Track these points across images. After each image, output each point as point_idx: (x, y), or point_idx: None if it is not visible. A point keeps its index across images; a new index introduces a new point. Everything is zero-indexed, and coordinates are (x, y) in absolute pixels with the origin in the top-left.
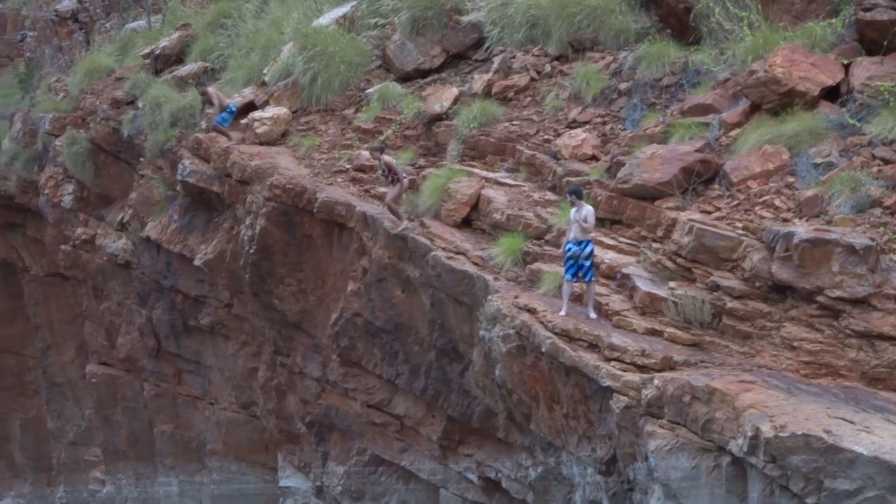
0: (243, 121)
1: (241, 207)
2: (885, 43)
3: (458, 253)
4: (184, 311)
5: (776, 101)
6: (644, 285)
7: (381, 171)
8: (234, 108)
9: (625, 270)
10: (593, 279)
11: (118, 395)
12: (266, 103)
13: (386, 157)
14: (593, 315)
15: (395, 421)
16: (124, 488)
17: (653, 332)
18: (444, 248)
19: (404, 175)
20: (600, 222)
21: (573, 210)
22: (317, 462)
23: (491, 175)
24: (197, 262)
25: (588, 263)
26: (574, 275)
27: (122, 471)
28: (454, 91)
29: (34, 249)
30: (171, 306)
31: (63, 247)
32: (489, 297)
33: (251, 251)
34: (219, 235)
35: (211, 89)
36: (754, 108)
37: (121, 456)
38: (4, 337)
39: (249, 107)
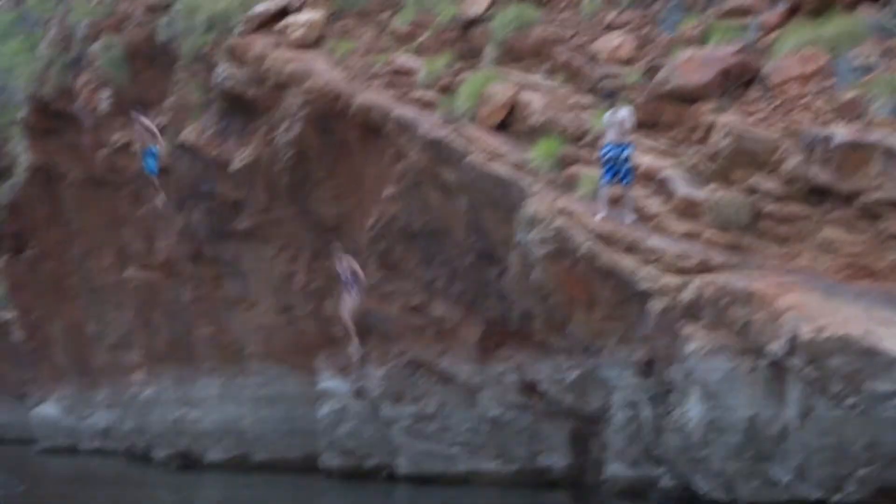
0: (277, 26)
1: (278, 112)
2: None
3: (495, 156)
4: (222, 215)
5: (815, 2)
6: (682, 188)
7: (342, 276)
8: (155, 150)
9: (663, 174)
10: (631, 182)
11: (158, 299)
12: (300, 8)
13: (351, 262)
14: (631, 218)
15: (433, 324)
16: (165, 390)
17: (691, 235)
18: (480, 153)
19: (362, 283)
20: (638, 126)
21: (608, 113)
22: (355, 365)
23: (528, 79)
24: (234, 167)
25: (626, 166)
26: (612, 178)
27: (163, 374)
28: None
29: (72, 155)
30: (209, 210)
31: (100, 152)
32: (526, 201)
33: (288, 156)
34: (255, 140)
35: (142, 119)
36: (793, 10)
37: (161, 359)
38: (44, 242)
39: (283, 11)
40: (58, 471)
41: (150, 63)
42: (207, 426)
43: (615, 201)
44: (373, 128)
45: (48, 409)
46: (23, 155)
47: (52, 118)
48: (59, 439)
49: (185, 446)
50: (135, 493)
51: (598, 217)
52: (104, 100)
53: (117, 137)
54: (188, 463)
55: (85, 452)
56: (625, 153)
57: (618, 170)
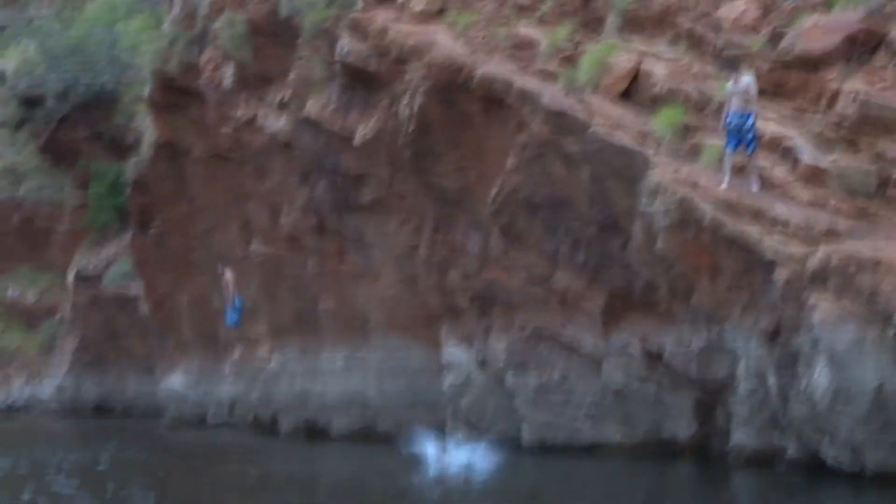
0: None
1: (400, 85)
2: None
3: (617, 127)
4: (345, 189)
5: None
6: (807, 156)
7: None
8: (239, 305)
9: (788, 141)
10: (756, 150)
11: (282, 272)
12: None
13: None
14: (755, 187)
15: (556, 294)
16: (290, 363)
17: (817, 203)
18: (603, 123)
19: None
20: (762, 94)
21: (731, 81)
22: (479, 336)
23: (650, 48)
24: (357, 141)
25: (750, 135)
26: (735, 146)
27: (288, 346)
28: None
29: (196, 131)
30: (333, 184)
31: (225, 128)
32: (649, 171)
33: (410, 129)
34: (378, 113)
35: (228, 274)
36: None
37: (286, 332)
38: (170, 218)
39: None
40: (187, 444)
41: (272, 38)
42: (332, 398)
43: (739, 170)
44: (495, 99)
45: (175, 383)
46: (148, 131)
47: (176, 94)
48: (186, 412)
49: (310, 417)
50: (265, 464)
51: (722, 186)
52: (228, 76)
53: (241, 113)
54: (314, 434)
55: (212, 425)
56: (749, 121)
57: (742, 138)
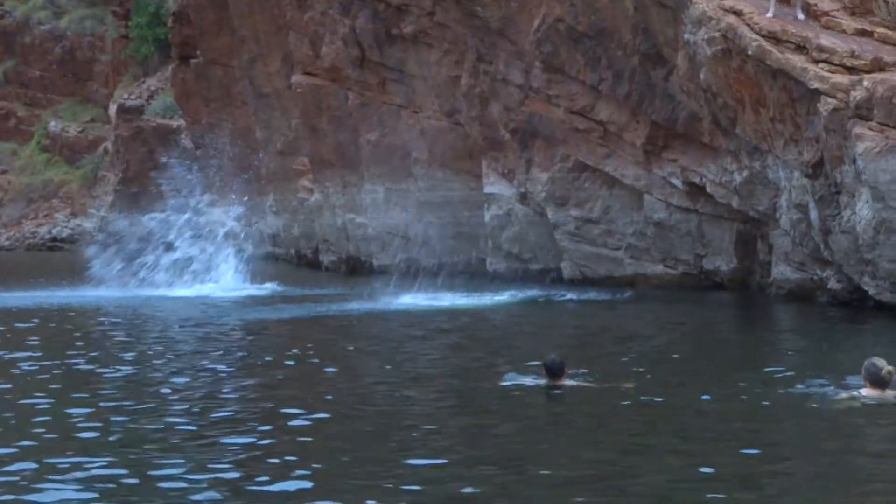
0: None
1: None
2: None
3: None
4: (386, 19)
5: None
6: None
7: None
8: None
9: None
10: None
11: (324, 104)
12: None
13: None
14: (801, 16)
15: (598, 127)
16: (332, 196)
17: (863, 33)
18: None
19: None
20: None
21: None
22: (520, 169)
23: None
24: None
25: None
26: None
27: (330, 179)
28: None
29: None
30: (374, 15)
31: None
32: (694, 0)
33: None
34: None
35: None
36: None
37: (327, 165)
38: (212, 49)
39: None
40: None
41: None
42: (373, 232)
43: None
44: None
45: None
46: None
47: None
48: None
49: (352, 252)
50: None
51: (768, 14)
52: None
53: None
54: (355, 267)
55: (255, 258)
56: None
57: None
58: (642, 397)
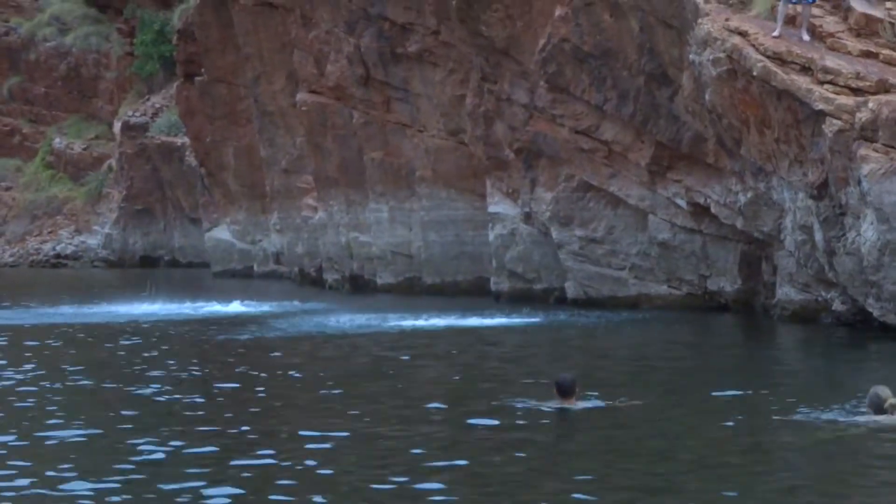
0: None
1: None
2: None
3: None
4: (391, 38)
5: None
6: (860, 6)
7: None
8: None
9: None
10: (813, 0)
11: (328, 123)
12: None
13: None
14: (807, 37)
15: (603, 147)
16: (336, 214)
17: (868, 55)
18: None
19: None
20: None
21: None
22: (525, 188)
23: None
24: None
25: None
26: None
27: (334, 197)
28: None
29: None
30: (379, 34)
31: None
32: (700, 20)
33: None
34: None
35: None
36: None
37: (332, 183)
38: (217, 67)
39: None
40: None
41: None
42: (377, 250)
43: (790, 19)
44: None
45: (221, 233)
46: None
47: None
48: (232, 263)
49: (355, 270)
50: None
51: (775, 33)
52: None
53: None
54: (359, 286)
55: (258, 275)
56: None
57: None
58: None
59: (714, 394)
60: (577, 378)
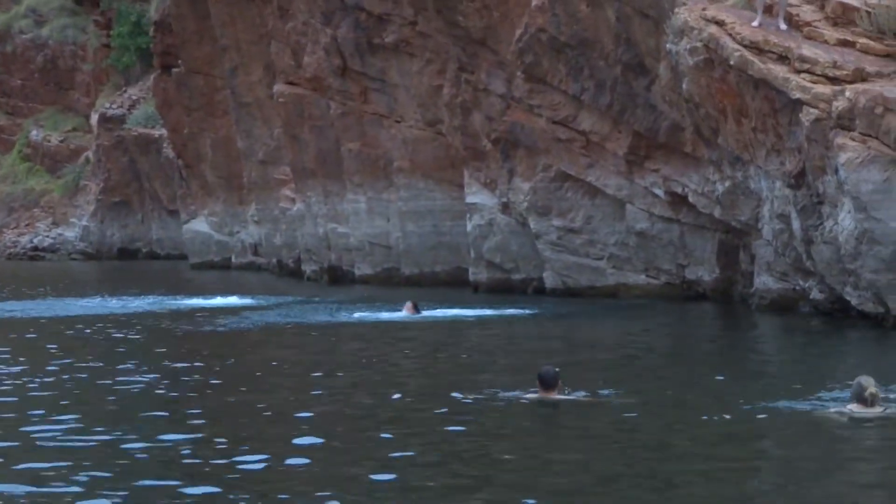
0: None
1: None
2: None
3: None
4: (368, 29)
5: None
6: None
7: None
8: None
9: None
10: None
11: (305, 114)
12: None
13: None
14: (783, 26)
15: (580, 136)
16: (313, 205)
17: (845, 44)
18: None
19: None
20: None
21: None
22: (503, 178)
23: None
24: None
25: None
26: None
27: (311, 188)
28: None
29: None
30: (356, 24)
31: None
32: (676, 10)
33: None
34: None
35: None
36: None
37: (309, 174)
38: (194, 58)
39: None
40: (213, 287)
41: None
42: (355, 241)
43: (767, 8)
44: None
45: (199, 225)
46: None
47: None
48: (210, 255)
49: (333, 261)
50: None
51: (754, 23)
52: None
53: None
54: (337, 277)
55: (236, 267)
56: None
57: None
58: (635, 413)
59: (694, 384)
60: (559, 370)
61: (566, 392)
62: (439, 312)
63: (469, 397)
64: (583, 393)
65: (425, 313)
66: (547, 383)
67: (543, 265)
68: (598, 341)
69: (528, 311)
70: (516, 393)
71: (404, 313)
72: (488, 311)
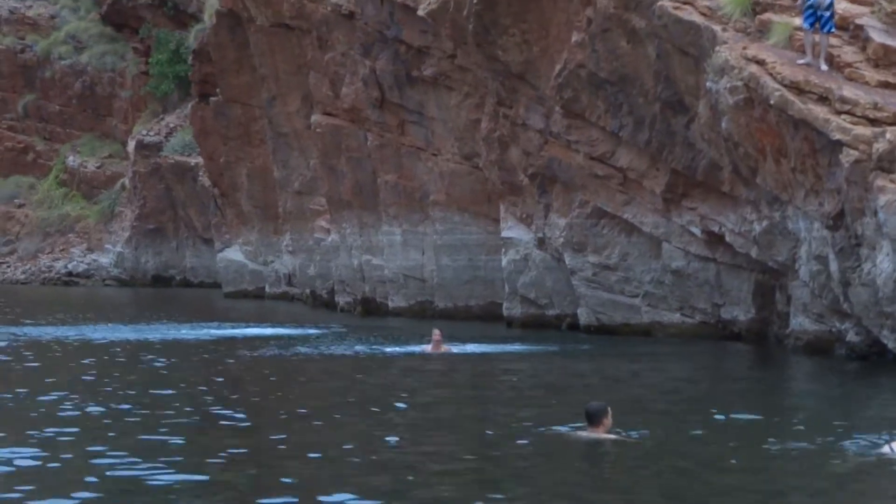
0: None
1: None
2: None
3: (685, 3)
4: (407, 61)
5: None
6: (878, 36)
7: None
8: None
9: (858, 21)
10: (833, 30)
11: (342, 145)
12: None
13: None
14: (824, 67)
15: (618, 173)
16: (348, 236)
17: (886, 85)
18: None
19: None
20: None
21: None
22: (539, 213)
23: None
24: (421, 12)
25: (828, 14)
26: (812, 24)
27: (347, 220)
28: None
29: (260, 0)
30: (395, 57)
31: None
32: (717, 48)
33: (475, 1)
34: None
35: None
36: None
37: (345, 205)
38: (232, 87)
39: None
40: (247, 315)
41: None
42: (390, 273)
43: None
44: None
45: (233, 254)
46: (211, 0)
47: None
48: (244, 284)
49: (367, 293)
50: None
51: (801, 62)
52: None
53: None
54: (370, 309)
55: (270, 296)
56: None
57: (819, 16)
58: (679, 451)
59: (731, 424)
60: (607, 407)
61: (620, 432)
62: (469, 348)
63: (506, 431)
64: (630, 432)
65: (454, 349)
66: (592, 419)
67: (578, 301)
68: (633, 380)
69: (566, 348)
70: (563, 428)
71: (429, 348)
72: (515, 347)
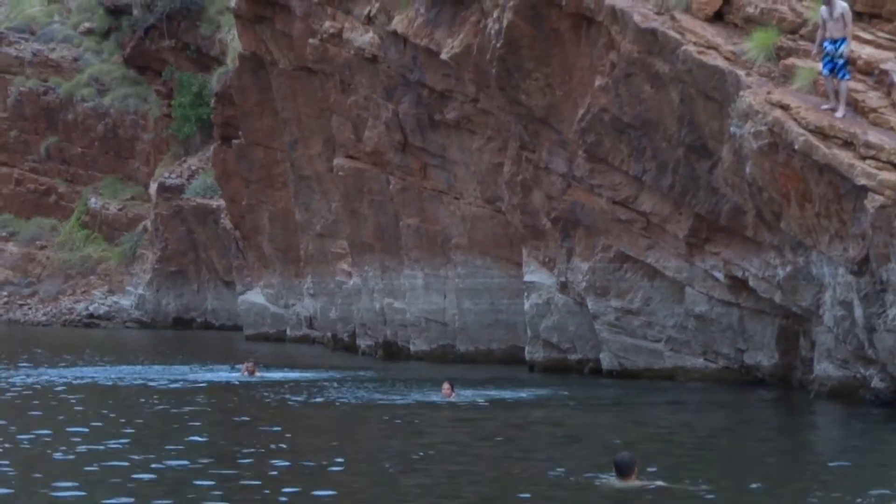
0: None
1: (488, 1)
2: None
3: (709, 48)
4: (430, 105)
5: None
6: None
7: None
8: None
9: (883, 66)
10: (848, 78)
11: (364, 188)
12: None
13: None
14: (840, 113)
15: (641, 218)
16: (370, 280)
17: None
18: (694, 43)
19: None
20: (857, 16)
21: (823, 7)
22: (561, 257)
23: None
24: (444, 56)
25: (841, 62)
26: (830, 70)
27: (368, 263)
28: None
29: (282, 43)
30: (418, 100)
31: (311, 40)
32: (741, 93)
33: (498, 45)
34: (465, 29)
35: None
36: None
37: (367, 248)
38: (254, 130)
39: None
40: (267, 358)
41: None
42: (411, 317)
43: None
44: (585, 17)
45: (255, 297)
46: (234, 43)
47: (262, 6)
48: (265, 326)
49: (389, 336)
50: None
51: (825, 107)
52: None
53: (327, 25)
54: (392, 353)
55: (291, 339)
56: (840, 48)
57: (834, 64)
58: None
59: (759, 472)
60: (635, 458)
61: (650, 485)
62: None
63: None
64: (660, 482)
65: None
66: (622, 470)
67: (600, 346)
68: (657, 426)
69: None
70: (590, 476)
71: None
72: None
